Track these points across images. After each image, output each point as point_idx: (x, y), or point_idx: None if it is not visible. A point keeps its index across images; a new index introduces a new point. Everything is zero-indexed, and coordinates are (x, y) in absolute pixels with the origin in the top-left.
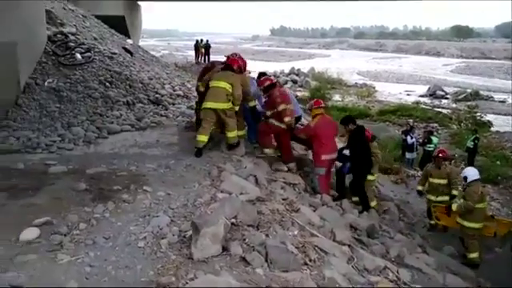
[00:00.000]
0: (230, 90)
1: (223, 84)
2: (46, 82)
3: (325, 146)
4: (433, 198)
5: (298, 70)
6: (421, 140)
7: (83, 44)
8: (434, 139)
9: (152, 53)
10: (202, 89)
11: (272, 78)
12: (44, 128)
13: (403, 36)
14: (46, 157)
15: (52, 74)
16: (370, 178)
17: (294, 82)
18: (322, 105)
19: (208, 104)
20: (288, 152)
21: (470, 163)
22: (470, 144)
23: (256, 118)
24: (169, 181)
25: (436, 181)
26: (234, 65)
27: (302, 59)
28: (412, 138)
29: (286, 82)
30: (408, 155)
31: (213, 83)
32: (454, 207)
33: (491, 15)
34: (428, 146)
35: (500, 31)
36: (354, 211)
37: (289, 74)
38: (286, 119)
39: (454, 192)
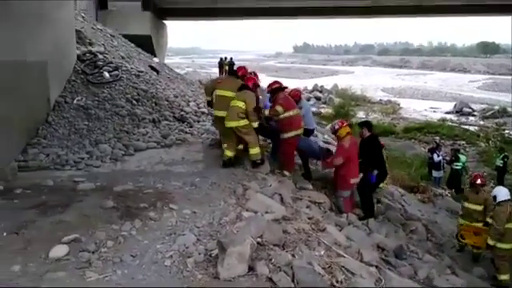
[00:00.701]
0: (244, 107)
1: (236, 102)
2: (75, 99)
3: (353, 168)
4: (465, 223)
5: (322, 86)
6: (448, 158)
7: (111, 63)
8: (462, 157)
9: (177, 70)
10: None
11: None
12: (72, 145)
13: (428, 52)
14: (75, 174)
15: (81, 92)
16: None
17: (318, 98)
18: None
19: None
20: (291, 162)
21: (500, 182)
22: (499, 162)
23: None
24: (194, 199)
25: (472, 206)
26: (250, 82)
27: (325, 76)
28: (439, 155)
29: (309, 99)
30: (435, 173)
31: (232, 102)
32: (491, 242)
33: None
34: (455, 164)
35: None
36: (381, 231)
37: (312, 90)
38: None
39: (489, 220)
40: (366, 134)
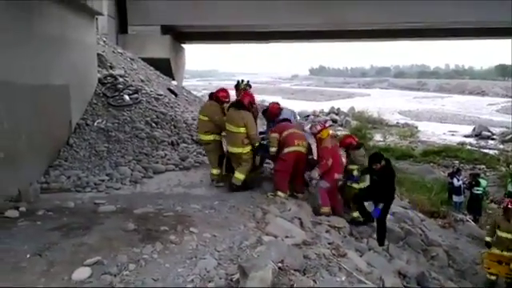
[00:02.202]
0: (245, 132)
1: (236, 128)
2: (95, 122)
3: (337, 166)
4: (497, 252)
5: (338, 109)
6: (468, 182)
7: (131, 86)
8: (483, 182)
9: (194, 93)
10: None
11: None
12: (93, 167)
13: (445, 75)
14: (95, 196)
15: (101, 115)
16: (355, 185)
17: (334, 121)
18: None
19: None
20: (301, 181)
21: None
22: (511, 188)
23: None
24: (214, 222)
25: (504, 235)
26: (246, 99)
27: (341, 98)
28: (459, 180)
29: (325, 122)
30: (455, 198)
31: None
32: None
33: None
34: (476, 189)
35: None
36: (401, 257)
37: (328, 113)
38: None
39: None
40: (378, 166)
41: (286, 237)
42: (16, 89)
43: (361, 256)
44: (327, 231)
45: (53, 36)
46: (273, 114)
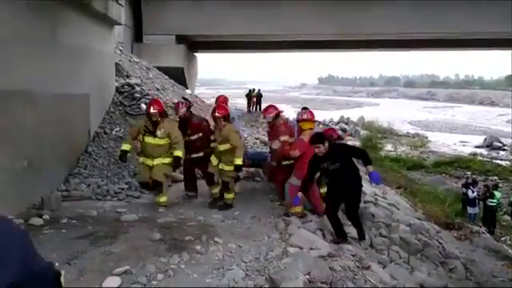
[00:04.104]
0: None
1: (225, 146)
2: (113, 130)
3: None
4: None
5: (348, 118)
6: (482, 194)
7: (147, 95)
8: (497, 194)
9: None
10: None
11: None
12: (112, 175)
13: (455, 85)
14: (116, 204)
15: (119, 124)
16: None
17: (344, 130)
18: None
19: None
20: (319, 201)
21: None
22: None
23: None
24: (238, 232)
25: None
26: (220, 111)
27: (350, 108)
28: (473, 191)
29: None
30: (470, 210)
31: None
32: None
33: None
34: (490, 200)
35: None
36: (421, 269)
37: (338, 122)
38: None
39: None
40: (321, 149)
41: (311, 248)
42: (40, 98)
43: (383, 268)
44: (349, 242)
45: (74, 46)
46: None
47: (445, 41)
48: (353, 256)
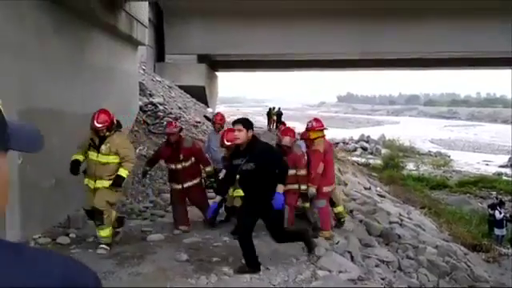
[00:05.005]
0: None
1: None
2: (137, 149)
3: (328, 175)
4: None
5: (368, 136)
6: (508, 215)
7: (171, 113)
8: None
9: None
10: None
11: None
12: (136, 194)
13: (477, 104)
14: (141, 223)
15: (143, 142)
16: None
17: (364, 149)
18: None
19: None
20: (328, 218)
21: None
22: None
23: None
24: (264, 254)
25: None
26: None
27: (370, 126)
28: (501, 212)
29: (355, 149)
30: (497, 231)
31: None
32: None
33: None
34: None
35: None
36: None
37: (358, 140)
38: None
39: None
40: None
41: (340, 272)
42: (68, 117)
43: None
44: (377, 265)
45: (101, 66)
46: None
47: (465, 59)
48: (382, 280)
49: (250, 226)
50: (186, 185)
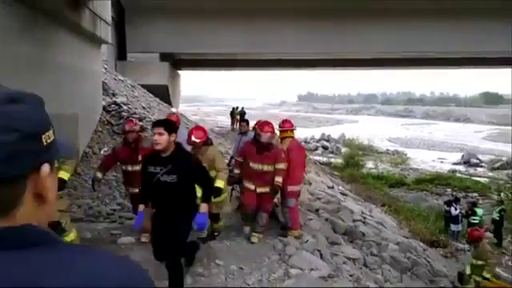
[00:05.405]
0: None
1: None
2: (102, 150)
3: (294, 175)
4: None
5: (329, 136)
6: (464, 211)
7: (135, 113)
8: (479, 211)
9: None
10: None
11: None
12: (103, 196)
13: (431, 102)
14: (110, 226)
15: (107, 143)
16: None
17: (325, 148)
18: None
19: None
20: (297, 218)
21: (498, 235)
22: (495, 216)
23: None
24: (237, 254)
25: (473, 261)
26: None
27: (330, 125)
28: (456, 209)
29: (316, 148)
30: (453, 227)
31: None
32: None
33: None
34: (473, 218)
35: None
36: None
37: (319, 140)
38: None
39: (486, 274)
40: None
41: (311, 269)
42: None
43: None
44: (344, 262)
45: (65, 65)
46: None
47: (420, 60)
48: (351, 276)
49: (183, 245)
50: None
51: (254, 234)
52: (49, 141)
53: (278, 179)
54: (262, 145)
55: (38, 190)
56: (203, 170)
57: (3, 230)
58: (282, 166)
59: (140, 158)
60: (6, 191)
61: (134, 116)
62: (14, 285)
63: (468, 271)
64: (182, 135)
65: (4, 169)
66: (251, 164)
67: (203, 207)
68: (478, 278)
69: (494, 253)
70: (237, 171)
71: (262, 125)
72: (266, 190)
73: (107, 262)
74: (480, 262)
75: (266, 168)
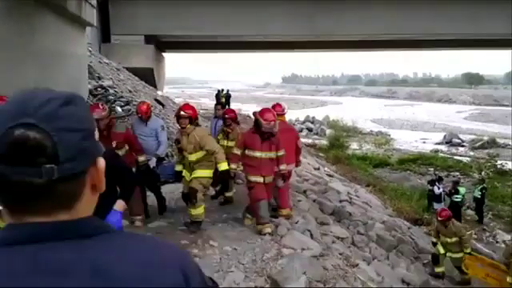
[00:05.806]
0: None
1: None
2: None
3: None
4: (448, 254)
5: (313, 117)
6: (447, 190)
7: (122, 97)
8: (461, 189)
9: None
10: None
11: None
12: None
13: (414, 83)
14: None
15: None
16: None
17: (309, 129)
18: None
19: None
20: (286, 197)
21: (479, 212)
22: (477, 194)
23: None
24: (231, 235)
25: (443, 239)
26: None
27: (314, 107)
28: (439, 188)
29: (301, 130)
30: (436, 206)
31: None
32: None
33: (500, 63)
34: (455, 196)
35: (510, 78)
36: (400, 265)
37: (304, 121)
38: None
39: (466, 250)
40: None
41: (303, 249)
42: None
43: (368, 265)
44: (333, 242)
45: (50, 48)
46: None
47: (403, 41)
48: (340, 254)
49: None
50: None
51: (247, 216)
52: (97, 136)
53: (283, 166)
54: (265, 132)
55: (94, 181)
56: (123, 166)
57: (71, 223)
58: (283, 152)
59: (115, 144)
60: (72, 186)
61: (122, 100)
62: (91, 268)
63: (442, 251)
64: (155, 122)
65: (71, 166)
66: (257, 154)
67: (118, 205)
68: (454, 255)
69: (467, 227)
70: (233, 166)
71: (264, 113)
72: (271, 179)
73: (163, 246)
74: (454, 239)
75: (273, 155)
